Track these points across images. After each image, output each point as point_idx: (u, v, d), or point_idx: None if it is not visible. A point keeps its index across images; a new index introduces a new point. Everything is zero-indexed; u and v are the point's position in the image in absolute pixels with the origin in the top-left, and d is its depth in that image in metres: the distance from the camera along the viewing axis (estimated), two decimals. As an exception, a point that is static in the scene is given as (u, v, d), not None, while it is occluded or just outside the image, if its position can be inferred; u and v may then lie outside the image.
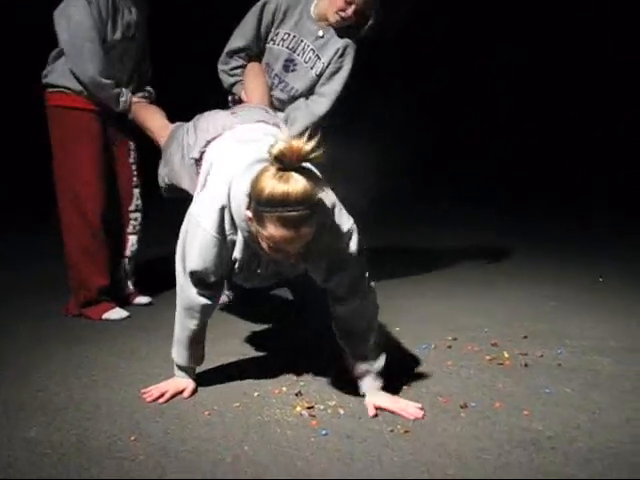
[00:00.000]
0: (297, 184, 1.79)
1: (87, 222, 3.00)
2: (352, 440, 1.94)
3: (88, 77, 2.90)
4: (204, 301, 2.16)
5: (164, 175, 2.65)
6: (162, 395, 2.22)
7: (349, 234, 2.07)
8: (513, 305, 3.35)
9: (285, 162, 1.79)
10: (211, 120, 2.40)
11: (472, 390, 2.31)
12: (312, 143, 1.79)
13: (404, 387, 2.31)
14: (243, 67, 3.00)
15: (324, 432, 1.98)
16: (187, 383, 2.29)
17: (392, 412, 2.11)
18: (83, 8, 2.85)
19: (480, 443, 1.93)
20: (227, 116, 2.42)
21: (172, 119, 2.88)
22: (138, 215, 3.22)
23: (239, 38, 2.97)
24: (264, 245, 1.92)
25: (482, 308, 3.29)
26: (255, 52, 2.98)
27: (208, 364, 2.41)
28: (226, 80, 3.03)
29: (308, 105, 3.00)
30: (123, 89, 3.02)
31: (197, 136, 2.36)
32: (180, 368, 2.30)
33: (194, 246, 2.07)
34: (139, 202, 3.21)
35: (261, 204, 1.81)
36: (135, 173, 3.20)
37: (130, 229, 3.22)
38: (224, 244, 2.06)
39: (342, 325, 2.18)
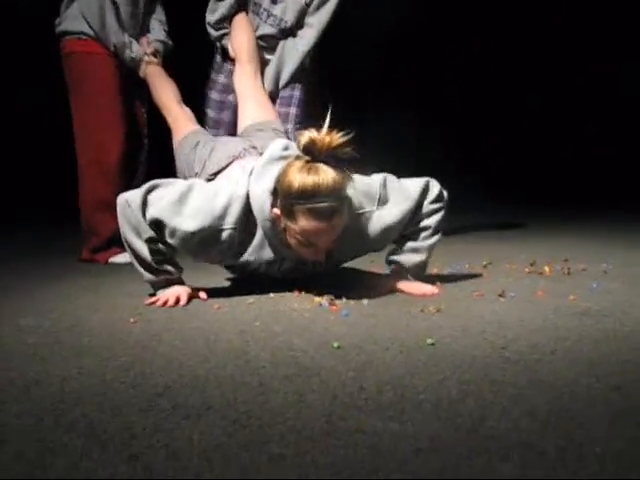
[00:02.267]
0: (327, 175, 1.75)
1: (105, 167, 2.92)
2: (376, 318, 1.72)
3: (96, 20, 2.86)
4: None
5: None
6: (178, 300, 1.95)
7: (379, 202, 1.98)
8: (548, 239, 3.15)
9: (314, 152, 1.76)
10: (224, 150, 2.24)
11: (511, 286, 2.08)
12: (341, 135, 1.75)
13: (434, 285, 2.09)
14: (230, 17, 2.84)
15: (345, 312, 1.76)
16: (187, 288, 2.02)
17: (410, 293, 2.00)
18: None
19: (521, 315, 1.70)
20: (241, 143, 2.28)
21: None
22: (144, 169, 3.13)
23: None
24: (293, 242, 1.85)
25: (515, 243, 3.09)
26: None
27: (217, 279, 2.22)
28: (213, 33, 2.89)
29: (295, 43, 2.86)
30: (133, 42, 2.93)
31: (205, 167, 2.22)
32: (166, 283, 2.02)
33: (192, 203, 1.91)
34: (146, 153, 3.14)
35: (292, 197, 1.76)
36: (146, 123, 3.12)
37: (136, 182, 3.07)
38: (219, 233, 1.91)
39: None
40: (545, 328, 1.57)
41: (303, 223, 1.77)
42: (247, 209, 1.90)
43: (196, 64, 3.06)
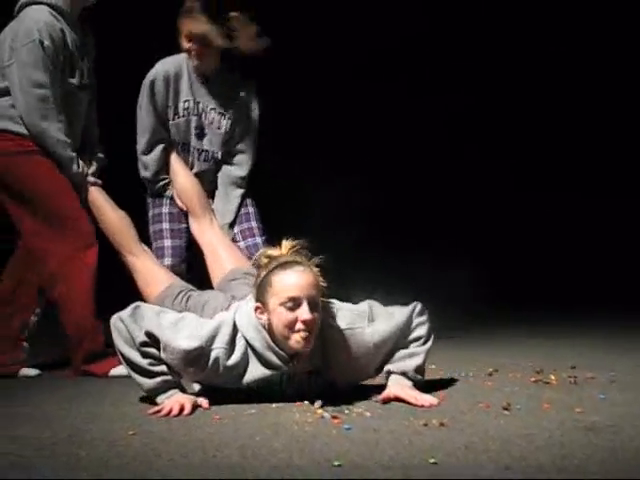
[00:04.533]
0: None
1: (90, 263, 2.69)
2: (379, 432, 1.69)
3: (39, 130, 2.62)
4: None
5: None
6: (182, 408, 1.92)
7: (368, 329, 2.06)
8: (553, 344, 3.13)
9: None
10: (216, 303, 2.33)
11: (516, 398, 2.05)
12: (294, 248, 2.02)
13: (437, 397, 2.06)
14: (165, 167, 2.85)
15: (347, 427, 1.73)
16: (190, 397, 2.01)
17: (404, 400, 1.99)
18: (35, 49, 2.59)
19: (527, 430, 1.67)
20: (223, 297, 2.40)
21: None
22: None
23: (143, 132, 2.80)
24: (277, 330, 1.93)
25: (520, 348, 3.07)
26: (166, 138, 2.82)
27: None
28: (153, 188, 2.87)
29: (232, 171, 2.89)
30: (76, 156, 2.73)
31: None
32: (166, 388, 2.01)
33: (186, 325, 2.00)
34: None
35: (264, 279, 1.98)
36: None
37: None
38: (209, 354, 1.96)
39: None
40: (551, 445, 1.53)
41: (277, 281, 1.93)
42: (234, 333, 2.00)
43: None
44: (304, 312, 1.91)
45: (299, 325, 1.91)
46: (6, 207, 2.73)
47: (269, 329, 1.97)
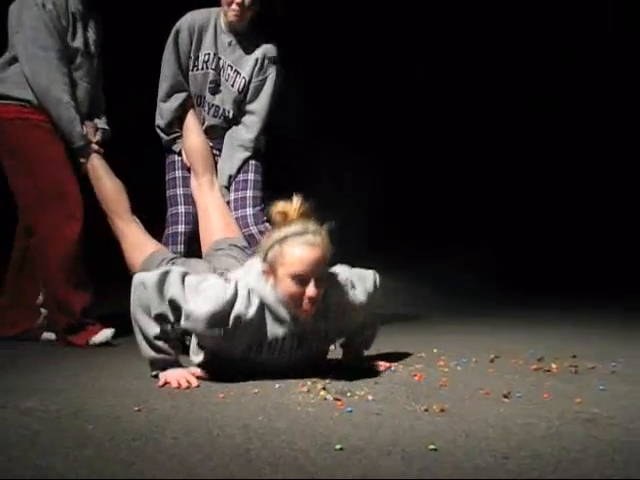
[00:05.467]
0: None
1: (70, 238, 2.72)
2: (381, 416, 1.71)
3: (43, 90, 2.67)
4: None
5: None
6: (189, 383, 2.01)
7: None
8: (555, 332, 3.14)
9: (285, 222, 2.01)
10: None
11: (517, 385, 2.07)
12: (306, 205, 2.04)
13: (439, 382, 2.08)
14: (179, 120, 2.88)
15: (349, 409, 1.76)
16: (190, 369, 2.12)
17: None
18: (38, 12, 2.65)
19: (526, 420, 1.69)
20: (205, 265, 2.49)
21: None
22: None
23: (164, 79, 2.86)
24: (284, 287, 1.99)
25: (523, 335, 3.08)
26: (186, 89, 2.87)
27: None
28: (164, 137, 2.92)
29: (240, 131, 2.90)
30: (79, 122, 2.76)
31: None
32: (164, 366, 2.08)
33: (205, 290, 2.01)
34: None
35: (275, 243, 2.00)
36: None
37: None
38: (229, 315, 1.98)
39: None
40: (549, 436, 1.55)
41: (290, 254, 1.96)
42: (249, 291, 2.03)
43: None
44: (311, 289, 1.96)
45: (305, 300, 1.97)
46: (6, 174, 2.80)
47: (276, 289, 2.02)
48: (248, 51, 2.86)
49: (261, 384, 2.02)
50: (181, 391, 1.97)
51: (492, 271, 5.56)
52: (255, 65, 2.86)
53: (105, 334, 2.76)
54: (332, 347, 2.27)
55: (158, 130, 2.91)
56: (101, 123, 2.93)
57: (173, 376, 2.03)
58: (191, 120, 2.88)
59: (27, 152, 2.73)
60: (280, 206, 2.04)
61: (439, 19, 5.72)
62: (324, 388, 1.96)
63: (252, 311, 2.01)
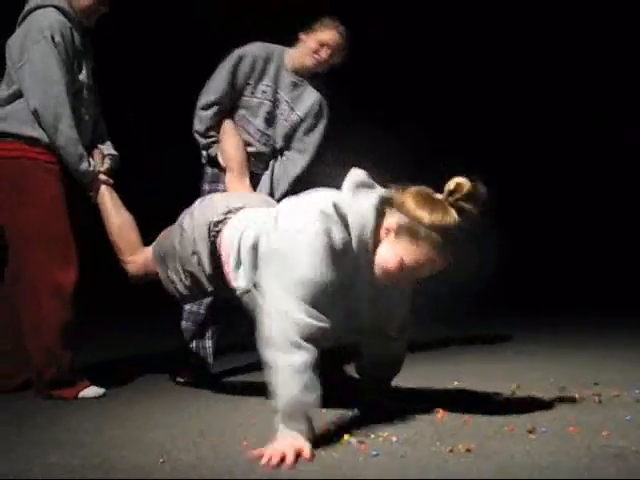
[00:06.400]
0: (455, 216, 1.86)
1: (65, 288, 2.61)
2: (406, 459, 1.70)
3: (53, 128, 2.58)
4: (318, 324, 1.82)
5: (180, 279, 2.32)
6: (283, 459, 1.68)
7: None
8: (575, 357, 3.12)
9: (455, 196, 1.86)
10: (221, 199, 2.36)
11: (540, 419, 2.05)
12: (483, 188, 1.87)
13: (462, 419, 2.07)
14: (217, 126, 2.96)
15: (374, 453, 1.74)
16: (303, 442, 1.75)
17: None
18: (47, 45, 2.58)
19: (553, 457, 1.67)
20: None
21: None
22: None
23: (211, 92, 2.94)
24: (391, 263, 1.88)
25: (542, 361, 3.07)
26: (227, 106, 2.96)
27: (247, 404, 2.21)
28: (201, 141, 2.98)
29: (287, 166, 2.98)
30: (85, 154, 2.68)
31: (214, 207, 2.26)
32: (291, 422, 1.78)
33: (302, 258, 1.82)
34: None
35: (421, 224, 1.84)
36: None
37: None
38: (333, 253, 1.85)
39: (377, 359, 2.27)
40: (579, 474, 1.54)
41: (423, 251, 1.85)
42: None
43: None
44: (425, 274, 1.93)
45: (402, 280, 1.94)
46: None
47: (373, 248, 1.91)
48: (307, 92, 3.01)
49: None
50: (206, 440, 1.95)
51: (501, 293, 5.53)
52: (312, 107, 3.00)
53: (96, 390, 2.66)
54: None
55: (196, 135, 2.99)
56: (107, 148, 2.87)
57: (269, 451, 1.71)
58: (229, 126, 2.97)
59: (29, 193, 2.62)
60: (457, 180, 1.88)
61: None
62: (347, 432, 1.94)
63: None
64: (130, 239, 2.66)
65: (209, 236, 2.20)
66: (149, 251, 2.52)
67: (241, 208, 2.24)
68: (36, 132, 2.62)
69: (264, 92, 2.96)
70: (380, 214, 1.91)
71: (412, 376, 2.67)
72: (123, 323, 4.65)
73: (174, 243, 2.30)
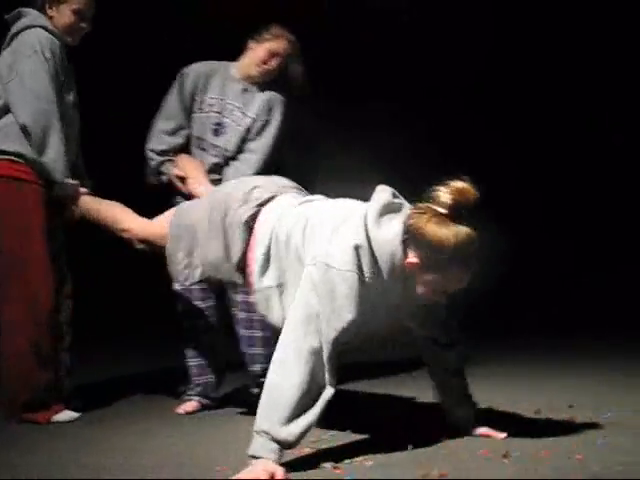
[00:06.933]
0: (468, 229, 1.86)
1: (40, 311, 2.58)
2: (381, 484, 1.71)
3: (40, 139, 2.55)
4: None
5: (195, 266, 2.29)
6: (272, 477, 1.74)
7: None
8: (549, 378, 3.13)
9: (461, 208, 1.85)
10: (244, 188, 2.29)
11: (514, 443, 2.06)
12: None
13: (438, 443, 2.08)
14: (174, 150, 2.94)
15: (348, 477, 1.75)
16: (276, 466, 1.77)
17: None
18: (37, 60, 2.58)
19: (527, 481, 1.68)
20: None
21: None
22: (70, 303, 2.80)
23: (168, 119, 2.95)
24: (422, 290, 1.93)
25: (518, 386, 3.09)
26: (185, 132, 2.95)
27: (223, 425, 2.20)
28: (155, 158, 2.93)
29: (238, 168, 2.93)
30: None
31: (241, 200, 2.22)
32: (278, 447, 1.80)
33: (338, 295, 1.87)
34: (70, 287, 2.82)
35: (444, 252, 1.84)
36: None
37: (64, 317, 2.76)
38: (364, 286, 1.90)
39: (440, 368, 2.25)
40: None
41: (454, 273, 1.87)
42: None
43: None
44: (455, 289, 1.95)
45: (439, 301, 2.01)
46: None
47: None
48: (257, 95, 2.99)
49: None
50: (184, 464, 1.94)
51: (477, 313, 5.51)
52: (262, 107, 2.97)
53: (70, 414, 2.61)
54: None
55: (151, 153, 2.95)
56: (84, 176, 2.84)
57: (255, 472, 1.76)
58: (187, 155, 2.96)
59: (4, 213, 2.58)
60: (455, 186, 1.88)
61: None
62: (322, 455, 1.95)
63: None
64: (123, 210, 2.60)
65: (245, 222, 2.15)
66: (152, 225, 2.50)
67: (273, 196, 2.22)
68: (23, 148, 2.59)
69: (211, 105, 2.95)
70: (405, 244, 1.92)
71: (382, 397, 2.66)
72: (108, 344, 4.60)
73: (198, 223, 2.27)
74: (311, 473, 1.81)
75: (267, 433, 1.78)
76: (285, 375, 1.83)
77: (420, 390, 3.03)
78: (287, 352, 1.86)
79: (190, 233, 2.29)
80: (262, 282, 2.09)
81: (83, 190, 2.71)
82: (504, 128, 6.21)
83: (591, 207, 6.29)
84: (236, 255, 2.16)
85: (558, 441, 2.08)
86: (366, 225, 1.92)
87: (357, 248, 1.89)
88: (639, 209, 6.08)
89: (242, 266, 2.17)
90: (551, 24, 6.12)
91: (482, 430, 2.19)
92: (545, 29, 6.16)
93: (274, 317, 2.08)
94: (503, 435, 2.14)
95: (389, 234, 1.91)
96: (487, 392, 2.90)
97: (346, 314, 1.87)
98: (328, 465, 1.87)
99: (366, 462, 1.90)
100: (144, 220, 2.52)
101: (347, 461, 1.91)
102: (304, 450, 2.00)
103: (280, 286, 2.06)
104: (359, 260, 1.89)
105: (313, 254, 1.94)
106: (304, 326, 1.87)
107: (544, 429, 2.25)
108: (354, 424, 2.29)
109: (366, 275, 1.90)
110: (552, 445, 2.02)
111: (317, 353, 1.85)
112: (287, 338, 1.88)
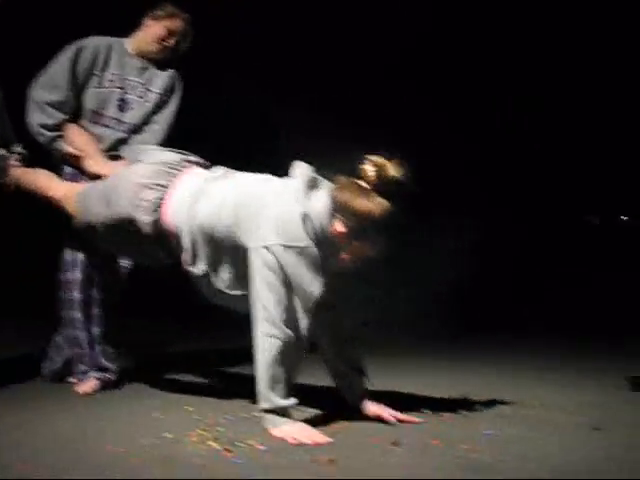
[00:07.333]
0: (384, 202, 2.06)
1: None
2: (267, 468, 1.72)
3: None
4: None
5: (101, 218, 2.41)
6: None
7: None
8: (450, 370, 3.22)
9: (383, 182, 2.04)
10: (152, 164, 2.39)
11: (404, 431, 2.11)
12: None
13: (332, 429, 2.10)
14: (64, 124, 2.87)
15: (239, 461, 1.75)
16: (299, 426, 2.06)
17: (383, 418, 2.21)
18: None
19: (412, 469, 1.72)
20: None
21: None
22: None
23: (55, 91, 2.86)
24: (343, 257, 2.11)
25: (425, 377, 3.15)
26: (72, 104, 2.89)
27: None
28: (46, 134, 2.85)
29: (143, 138, 2.96)
30: None
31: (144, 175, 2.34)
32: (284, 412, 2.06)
33: (304, 271, 2.06)
34: None
35: (368, 222, 2.04)
36: None
37: None
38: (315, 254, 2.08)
39: (336, 335, 2.30)
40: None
41: (373, 241, 2.07)
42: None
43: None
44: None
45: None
46: None
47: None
48: (158, 72, 3.02)
49: (155, 433, 2.00)
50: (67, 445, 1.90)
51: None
52: (165, 85, 3.02)
53: None
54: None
55: (41, 129, 2.85)
56: (18, 148, 2.81)
57: (297, 432, 2.01)
58: (76, 126, 2.90)
59: None
60: (378, 161, 2.07)
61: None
62: (215, 438, 1.95)
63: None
64: (51, 176, 2.71)
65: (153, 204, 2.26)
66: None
67: (175, 175, 2.32)
68: None
69: (111, 81, 2.94)
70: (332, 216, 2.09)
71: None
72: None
73: (101, 208, 2.37)
74: (201, 455, 1.81)
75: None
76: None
77: (314, 376, 3.06)
78: (257, 342, 2.07)
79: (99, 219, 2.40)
80: (199, 268, 2.21)
81: (13, 163, 2.71)
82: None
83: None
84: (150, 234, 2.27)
85: (449, 430, 2.13)
86: (300, 198, 2.08)
87: (304, 219, 2.05)
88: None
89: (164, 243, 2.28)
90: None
91: (373, 408, 2.27)
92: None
93: (221, 287, 2.20)
94: (392, 416, 2.21)
95: (319, 206, 2.08)
96: (390, 384, 2.96)
97: (316, 284, 2.07)
98: (219, 447, 1.87)
99: (258, 446, 1.90)
100: (67, 184, 2.67)
101: (239, 444, 1.91)
102: (197, 432, 2.00)
103: (213, 264, 2.19)
104: (308, 230, 2.05)
105: (261, 236, 2.06)
106: (269, 314, 2.04)
107: (439, 420, 2.29)
108: (249, 408, 2.29)
109: (315, 242, 2.06)
110: (443, 433, 2.07)
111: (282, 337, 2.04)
112: (256, 329, 2.07)
